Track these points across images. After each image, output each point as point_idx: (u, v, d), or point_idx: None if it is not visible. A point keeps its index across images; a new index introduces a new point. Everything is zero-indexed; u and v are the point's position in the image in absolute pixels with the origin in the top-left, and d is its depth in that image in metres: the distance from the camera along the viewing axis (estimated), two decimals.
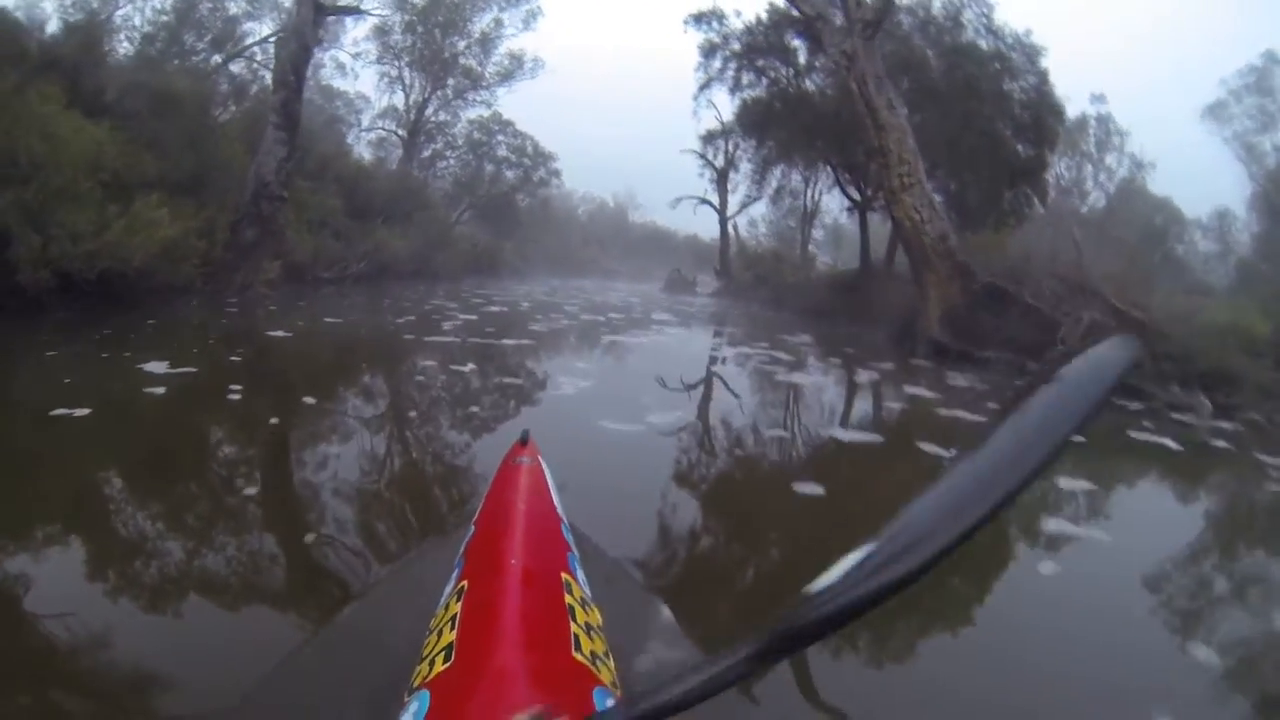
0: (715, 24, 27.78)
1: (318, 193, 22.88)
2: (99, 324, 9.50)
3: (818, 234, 39.14)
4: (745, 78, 27.35)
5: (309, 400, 6.64)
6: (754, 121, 27.35)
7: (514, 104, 45.63)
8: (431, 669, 1.43)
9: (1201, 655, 3.30)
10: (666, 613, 2.97)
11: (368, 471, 4.77)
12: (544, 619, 1.60)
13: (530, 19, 37.00)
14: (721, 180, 38.29)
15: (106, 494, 4.06)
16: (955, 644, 3.29)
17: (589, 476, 4.24)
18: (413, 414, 6.58)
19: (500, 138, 42.15)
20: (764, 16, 25.77)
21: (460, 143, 41.30)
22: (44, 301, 9.84)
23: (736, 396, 8.88)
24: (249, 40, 27.98)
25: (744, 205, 37.35)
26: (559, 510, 2.43)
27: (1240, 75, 35.23)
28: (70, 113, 11.77)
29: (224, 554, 3.34)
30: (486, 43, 37.89)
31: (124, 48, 24.85)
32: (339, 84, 38.38)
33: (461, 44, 37.54)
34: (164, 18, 26.36)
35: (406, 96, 37.87)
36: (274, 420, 5.72)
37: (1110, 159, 40.61)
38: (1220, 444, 8.39)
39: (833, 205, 35.36)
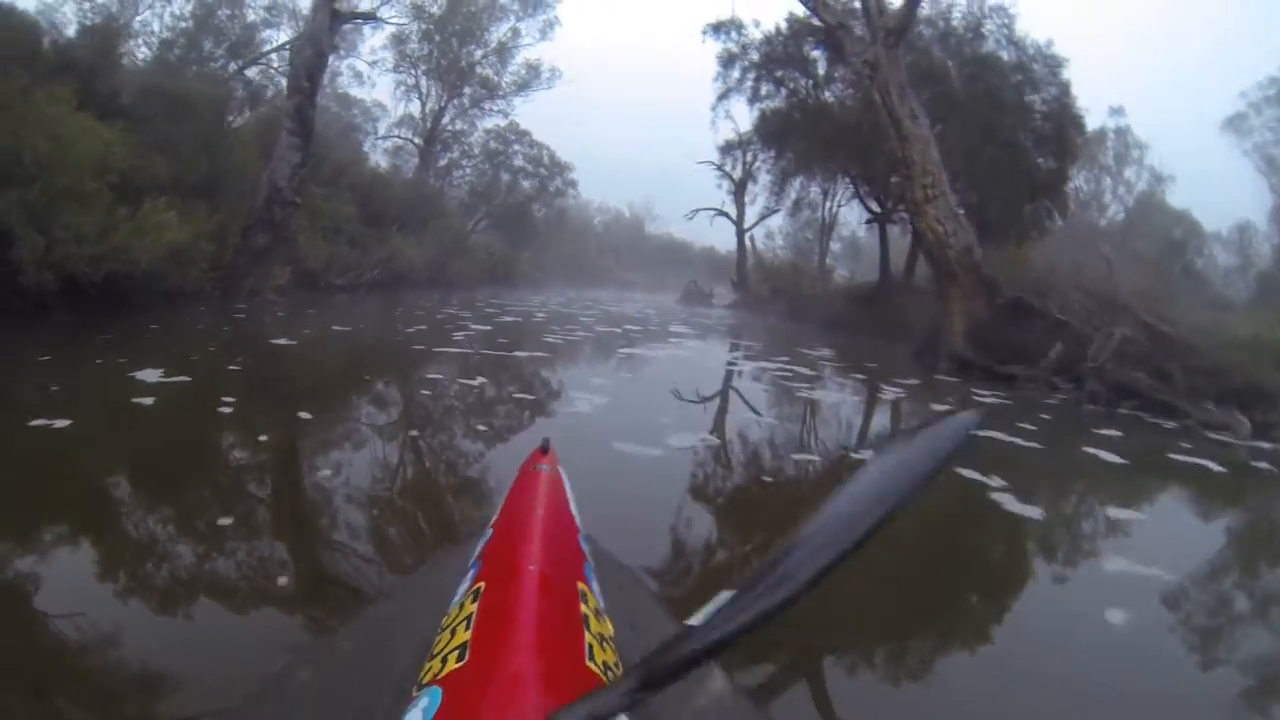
0: (734, 34, 27.57)
1: (332, 199, 22.74)
2: (102, 328, 9.26)
3: (835, 246, 38.82)
4: (764, 88, 27.09)
5: (304, 415, 6.19)
6: (773, 132, 27.06)
7: (530, 114, 45.45)
8: (444, 666, 1.43)
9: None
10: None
11: (360, 497, 4.32)
12: (559, 625, 1.58)
13: (548, 29, 36.93)
14: (739, 192, 38.03)
15: (60, 517, 3.63)
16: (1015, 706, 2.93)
17: (606, 505, 3.80)
18: (414, 434, 6.08)
19: (517, 147, 41.99)
20: (783, 26, 25.53)
21: (476, 152, 41.16)
22: (48, 304, 9.62)
23: (758, 415, 8.36)
24: (266, 47, 27.90)
25: (763, 217, 37.05)
26: (576, 519, 2.45)
27: (1260, 88, 34.74)
28: (80, 114, 11.54)
29: (184, 586, 3.01)
30: (503, 52, 37.79)
31: (143, 53, 25.13)
32: (356, 92, 38.54)
33: (478, 53, 37.46)
34: (183, 24, 26.32)
35: (423, 105, 37.83)
36: (263, 437, 5.30)
37: (1129, 172, 40.42)
38: (1263, 465, 7.94)
39: (850, 218, 35.21)
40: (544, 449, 2.84)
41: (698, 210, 40.48)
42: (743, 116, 30.62)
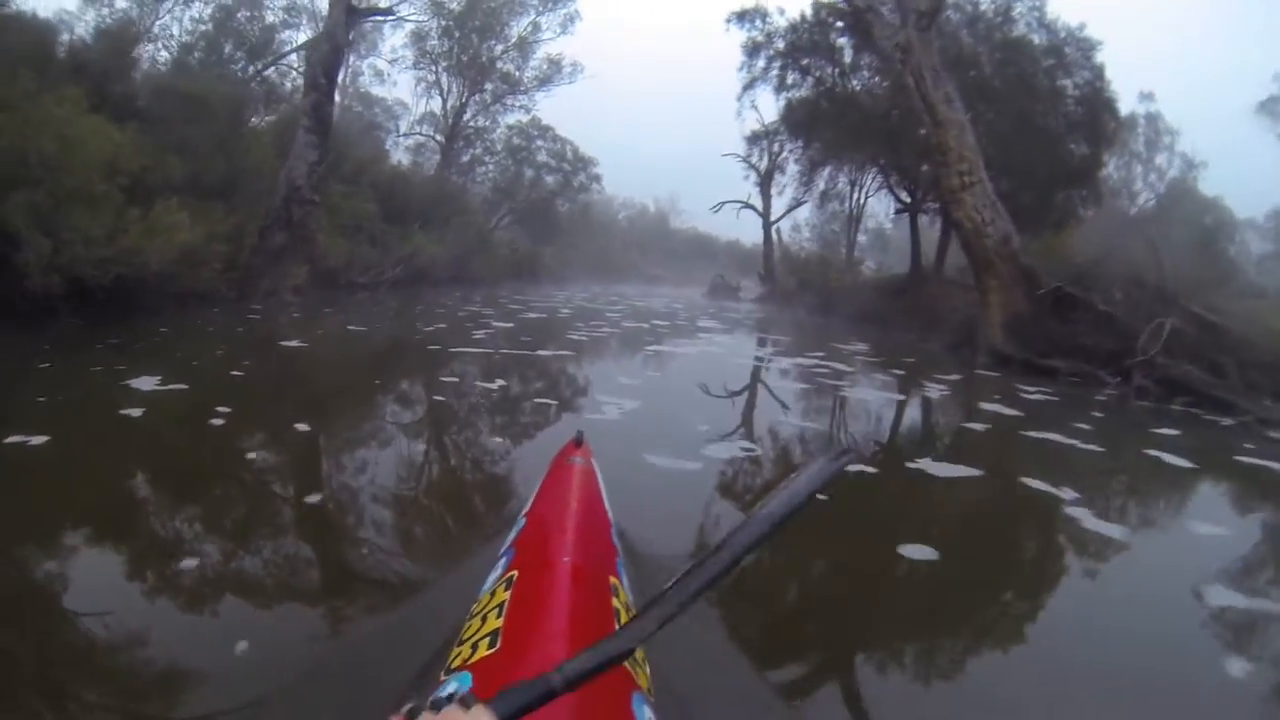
0: (758, 22, 26.89)
1: (352, 197, 22.44)
2: (110, 332, 8.93)
3: (861, 239, 38.17)
4: (790, 77, 26.45)
5: (301, 427, 5.53)
6: (800, 122, 26.44)
7: (553, 108, 45.08)
8: (475, 652, 1.46)
9: None
10: (713, 621, 2.98)
11: (352, 531, 3.77)
12: (591, 618, 1.60)
13: (568, 23, 36.48)
14: (765, 184, 37.55)
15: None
16: None
17: (641, 528, 3.39)
18: (422, 447, 5.49)
19: (540, 143, 41.64)
20: (808, 13, 24.95)
21: (499, 148, 40.84)
22: (56, 308, 9.32)
23: (801, 419, 7.80)
24: (286, 49, 27.68)
25: (791, 208, 36.44)
26: (609, 513, 2.52)
27: None
28: (92, 116, 11.27)
29: (136, 638, 2.62)
30: (524, 47, 37.41)
31: (163, 56, 25.04)
32: (377, 91, 38.46)
33: (499, 48, 37.06)
34: (202, 27, 26.18)
35: (444, 102, 37.53)
36: (251, 455, 4.83)
37: (1160, 158, 39.68)
38: None
39: (878, 209, 34.62)
40: (578, 441, 2.92)
41: (724, 203, 40.05)
42: (768, 107, 30.15)
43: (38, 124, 9.83)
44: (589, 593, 1.74)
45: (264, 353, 9.34)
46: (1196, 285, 14.06)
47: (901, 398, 10.02)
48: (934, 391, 10.15)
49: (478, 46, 36.46)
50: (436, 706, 0.89)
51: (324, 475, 4.71)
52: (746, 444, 6.05)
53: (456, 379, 8.43)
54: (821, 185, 29.84)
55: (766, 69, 27.07)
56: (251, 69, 26.32)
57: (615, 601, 1.81)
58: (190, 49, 25.83)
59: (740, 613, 3.17)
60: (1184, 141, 39.01)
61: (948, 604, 3.47)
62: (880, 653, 3.03)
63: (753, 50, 27.09)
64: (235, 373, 7.46)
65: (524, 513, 2.51)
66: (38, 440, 4.34)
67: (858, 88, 25.00)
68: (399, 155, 36.84)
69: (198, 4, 26.01)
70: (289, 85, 26.35)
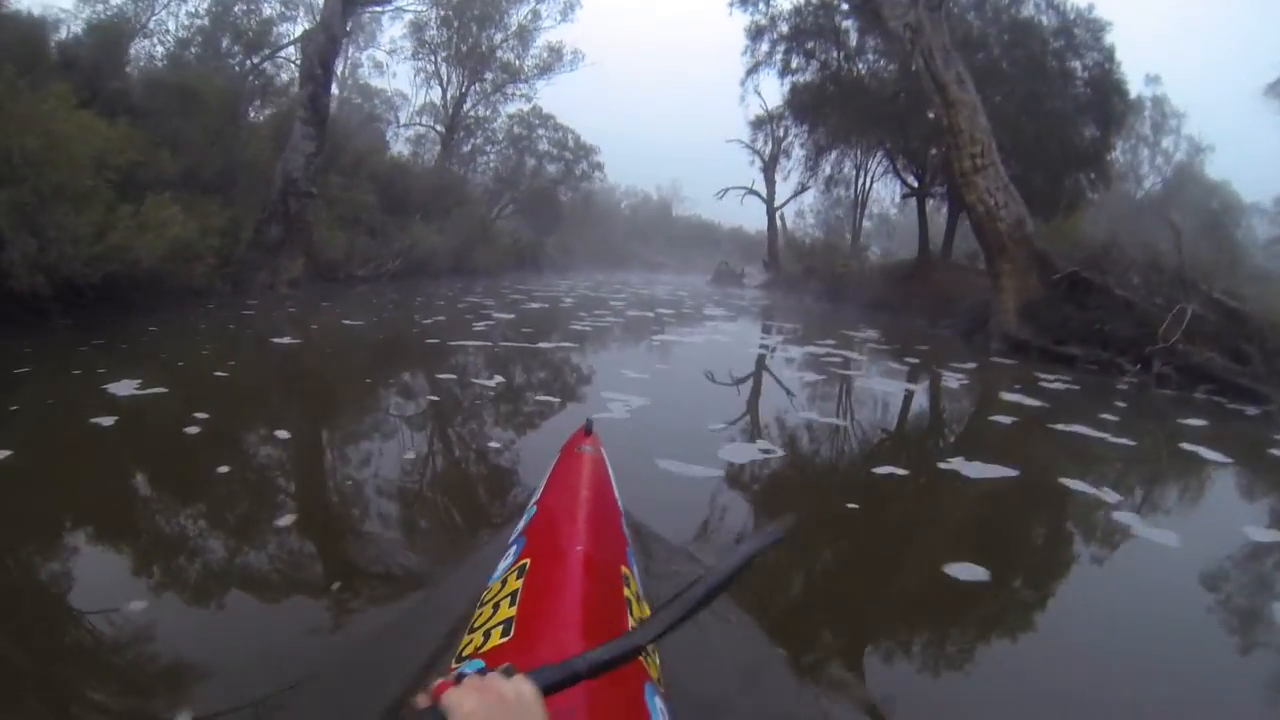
0: (761, 5, 26.42)
1: (351, 189, 22.12)
2: (98, 332, 8.57)
3: (865, 224, 37.78)
4: (794, 61, 26.04)
5: (281, 434, 5.14)
6: (805, 105, 26.02)
7: (554, 97, 44.73)
8: (487, 640, 1.46)
9: None
10: (733, 607, 2.93)
11: (322, 554, 3.36)
12: (604, 608, 1.61)
13: (568, 10, 36.09)
14: (769, 169, 37.28)
15: None
16: None
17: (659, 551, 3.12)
18: (410, 455, 4.90)
19: (541, 131, 41.37)
20: None
21: (500, 137, 40.54)
22: (46, 309, 9.00)
23: (819, 413, 7.30)
24: (284, 42, 27.34)
25: (796, 193, 36.12)
26: (619, 502, 2.50)
27: None
28: (79, 111, 10.97)
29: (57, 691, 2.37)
30: (524, 35, 37.02)
31: (159, 51, 24.95)
32: (376, 82, 38.24)
33: (498, 37, 36.68)
34: (199, 21, 25.89)
35: (444, 92, 37.18)
36: (222, 469, 4.27)
37: (1167, 142, 39.55)
38: None
39: (883, 194, 34.28)
40: (587, 430, 2.89)
41: (727, 189, 39.85)
42: (771, 93, 29.80)
43: (21, 120, 9.53)
44: (601, 582, 1.73)
45: (253, 351, 8.93)
46: (1211, 270, 13.73)
47: (920, 388, 9.61)
48: (952, 380, 9.78)
49: (477, 35, 36.20)
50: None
51: (298, 490, 4.26)
52: (764, 445, 5.60)
53: (453, 375, 7.98)
54: (827, 170, 29.47)
55: (770, 53, 26.72)
56: (249, 63, 26.05)
57: (626, 591, 1.80)
58: (187, 44, 25.68)
59: (764, 628, 2.96)
60: (1190, 124, 39.03)
61: (1006, 635, 3.11)
62: (922, 690, 2.71)
63: (756, 34, 26.72)
64: (219, 374, 6.98)
65: (534, 500, 2.49)
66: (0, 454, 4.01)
67: (863, 71, 24.67)
68: (399, 146, 36.70)
69: None
70: (286, 78, 26.05)
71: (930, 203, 26.03)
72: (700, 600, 1.10)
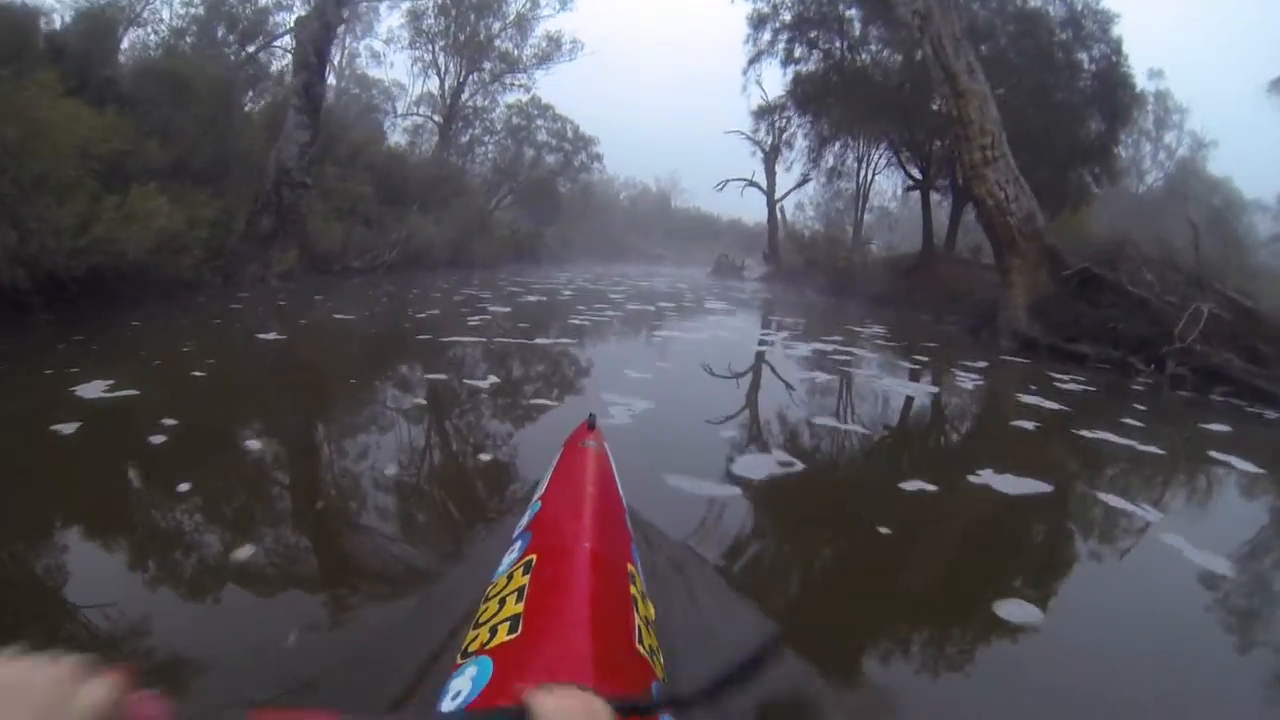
0: None
1: (347, 179, 21.75)
2: (79, 327, 8.19)
3: (866, 217, 37.53)
4: (797, 50, 25.75)
5: (252, 445, 4.65)
6: (808, 95, 25.70)
7: (553, 88, 44.44)
8: (494, 637, 1.44)
9: None
10: (738, 597, 2.99)
11: (279, 594, 2.91)
12: (612, 606, 1.60)
13: None
14: (770, 161, 37.01)
15: None
16: None
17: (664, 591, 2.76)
18: (390, 471, 4.35)
19: (540, 122, 41.22)
20: None
21: (499, 128, 40.31)
22: (28, 303, 8.64)
23: (834, 417, 6.79)
24: (280, 31, 27.04)
25: (799, 184, 35.81)
26: (623, 498, 2.49)
27: None
28: (65, 100, 10.65)
29: None
30: (522, 24, 36.75)
31: (153, 40, 24.76)
32: (374, 73, 37.97)
33: (497, 26, 36.40)
34: (194, 10, 25.61)
35: (441, 82, 36.86)
36: (183, 486, 3.72)
37: (1169, 137, 39.53)
38: None
39: (885, 186, 34.03)
40: (590, 424, 2.89)
41: (727, 181, 39.64)
42: (773, 84, 29.48)
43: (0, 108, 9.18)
44: (609, 579, 1.71)
45: (235, 348, 8.44)
46: (1221, 267, 13.46)
47: (935, 389, 9.20)
48: (966, 381, 9.41)
49: (475, 24, 35.92)
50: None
51: (262, 515, 3.72)
52: (781, 455, 5.12)
53: (444, 376, 7.52)
54: (830, 161, 29.19)
55: (773, 42, 26.50)
56: (245, 52, 25.76)
57: (633, 589, 1.78)
58: (182, 33, 25.42)
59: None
60: (1193, 119, 39.00)
61: (1064, 683, 2.75)
62: None
63: (758, 23, 26.48)
64: (197, 373, 6.46)
65: (538, 496, 2.46)
66: None
67: (866, 61, 24.38)
68: (396, 137, 36.40)
69: None
70: (282, 67, 25.75)
71: (934, 196, 25.76)
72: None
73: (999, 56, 20.23)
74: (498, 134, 40.25)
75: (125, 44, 22.32)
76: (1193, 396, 9.84)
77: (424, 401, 6.25)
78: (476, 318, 12.03)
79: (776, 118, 32.08)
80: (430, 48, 36.10)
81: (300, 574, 3.04)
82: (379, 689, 2.05)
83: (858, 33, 24.29)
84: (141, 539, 3.29)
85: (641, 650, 1.51)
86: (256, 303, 11.97)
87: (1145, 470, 5.84)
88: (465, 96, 37.53)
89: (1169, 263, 13.11)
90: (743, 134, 36.27)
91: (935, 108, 21.59)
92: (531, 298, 17.43)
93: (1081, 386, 9.48)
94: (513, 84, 38.51)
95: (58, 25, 16.72)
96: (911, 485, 4.63)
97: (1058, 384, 9.38)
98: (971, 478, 4.84)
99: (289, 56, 25.26)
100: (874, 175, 32.46)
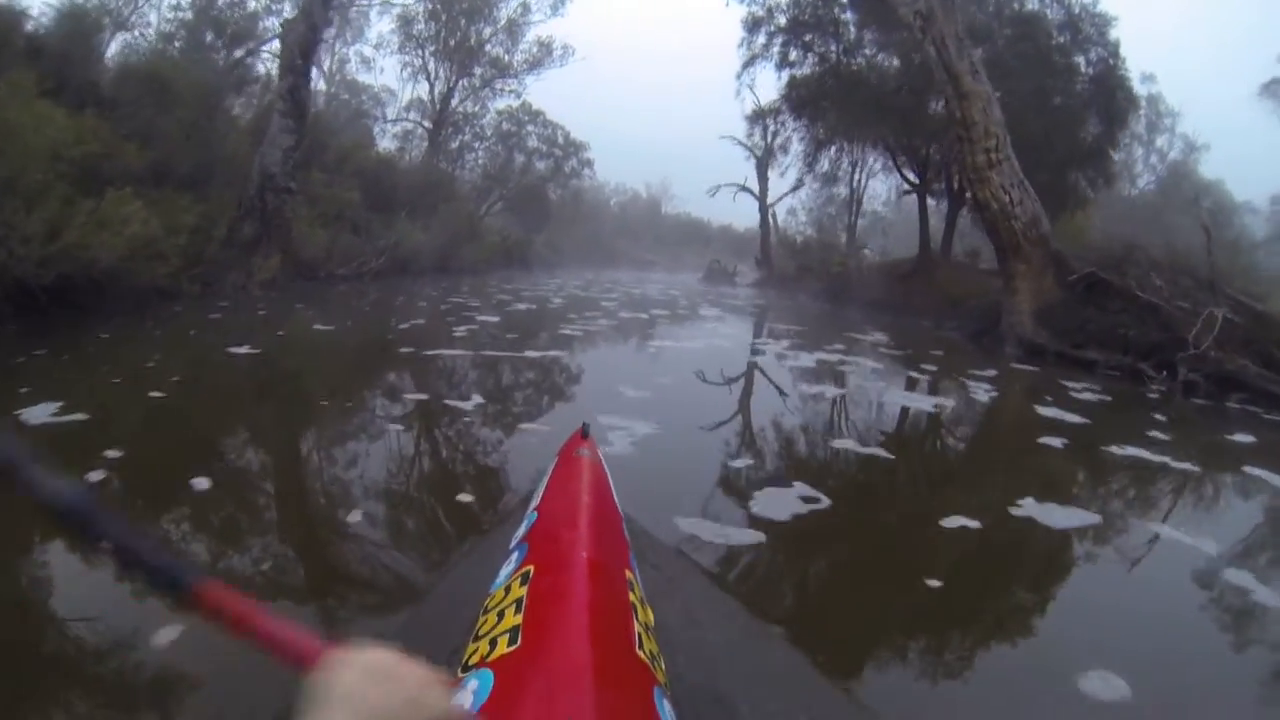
0: None
1: (334, 185, 21.34)
2: (45, 339, 7.71)
3: (860, 222, 37.24)
4: (792, 53, 25.43)
5: (200, 484, 3.85)
6: (804, 100, 25.37)
7: (544, 94, 44.09)
8: (494, 649, 1.43)
9: None
10: (737, 604, 2.96)
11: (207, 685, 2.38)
12: (611, 613, 1.59)
13: (559, 4, 35.39)
14: (762, 166, 36.74)
15: None
16: None
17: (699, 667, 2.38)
18: (352, 518, 3.69)
19: (530, 128, 40.75)
20: None
21: (489, 134, 39.84)
22: None
23: (854, 439, 6.12)
24: (269, 36, 26.69)
25: (794, 188, 35.45)
26: (619, 506, 2.47)
27: None
28: (39, 101, 10.27)
29: None
30: (513, 30, 36.37)
31: (142, 45, 24.20)
32: (364, 78, 37.63)
33: (487, 31, 36.06)
34: (181, 14, 25.32)
35: (431, 87, 36.47)
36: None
37: (1161, 140, 39.72)
38: None
39: (879, 191, 33.79)
40: (584, 433, 2.84)
41: (720, 186, 39.37)
42: (766, 90, 29.28)
43: None
44: (608, 589, 1.70)
45: (204, 363, 7.79)
46: (1229, 271, 13.13)
47: (950, 403, 8.65)
48: (979, 392, 8.95)
49: (466, 29, 35.53)
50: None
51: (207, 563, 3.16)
52: (804, 489, 4.49)
53: (424, 396, 6.90)
54: (825, 166, 28.88)
55: (767, 45, 26.13)
56: (233, 56, 25.41)
57: (632, 596, 1.76)
58: (170, 37, 25.14)
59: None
60: (1185, 123, 39.27)
61: None
62: None
63: (753, 26, 26.13)
64: (155, 394, 5.80)
65: (534, 506, 2.41)
66: None
67: (861, 64, 24.11)
68: (386, 142, 35.98)
69: None
70: (268, 70, 25.43)
71: (929, 201, 25.48)
72: None
73: (997, 59, 19.89)
74: (488, 140, 39.82)
75: (114, 49, 22.08)
76: (1210, 404, 9.51)
77: (401, 427, 5.60)
78: (463, 327, 11.54)
79: (770, 122, 31.79)
80: (420, 53, 35.75)
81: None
82: None
83: (853, 36, 23.97)
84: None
85: (642, 656, 1.49)
86: (236, 312, 11.47)
87: (1185, 492, 5.47)
88: (455, 102, 37.17)
89: (1178, 266, 12.75)
90: (735, 139, 36.06)
91: (933, 111, 21.39)
92: (521, 306, 16.97)
93: (1096, 396, 9.09)
94: (503, 89, 38.14)
95: (42, 24, 16.38)
96: (952, 522, 4.10)
97: (1072, 394, 8.99)
98: (1013, 510, 4.33)
99: (277, 61, 24.99)
100: (867, 180, 32.20)
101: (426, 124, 37.04)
